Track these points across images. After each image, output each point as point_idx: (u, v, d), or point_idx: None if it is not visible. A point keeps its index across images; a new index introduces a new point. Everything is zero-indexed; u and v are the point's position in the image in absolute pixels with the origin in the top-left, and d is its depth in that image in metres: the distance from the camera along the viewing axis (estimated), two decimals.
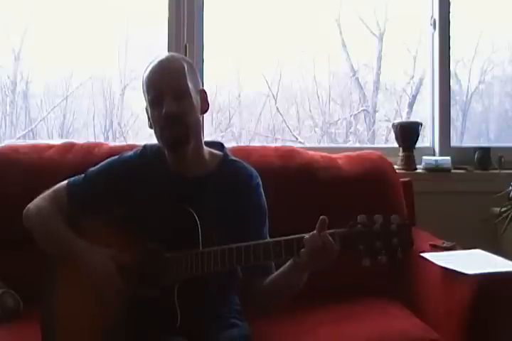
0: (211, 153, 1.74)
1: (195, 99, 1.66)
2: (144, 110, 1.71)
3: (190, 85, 1.64)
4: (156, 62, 1.68)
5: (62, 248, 1.67)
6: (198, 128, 1.68)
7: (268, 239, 1.51)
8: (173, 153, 1.67)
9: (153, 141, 1.72)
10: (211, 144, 1.77)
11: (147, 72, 1.68)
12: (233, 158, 1.78)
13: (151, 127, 1.69)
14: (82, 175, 1.78)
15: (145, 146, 1.80)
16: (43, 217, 1.71)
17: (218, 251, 1.50)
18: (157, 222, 1.61)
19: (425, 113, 2.97)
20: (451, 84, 2.92)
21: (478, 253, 1.97)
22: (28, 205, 1.75)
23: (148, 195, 1.68)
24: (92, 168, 1.79)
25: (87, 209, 1.72)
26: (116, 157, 1.80)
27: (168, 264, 1.55)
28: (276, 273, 1.61)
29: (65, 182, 1.78)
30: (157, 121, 1.63)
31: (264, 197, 1.74)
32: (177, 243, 1.56)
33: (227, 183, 1.70)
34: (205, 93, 1.73)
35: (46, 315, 1.67)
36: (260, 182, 1.75)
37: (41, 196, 1.75)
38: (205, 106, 1.72)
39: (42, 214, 1.71)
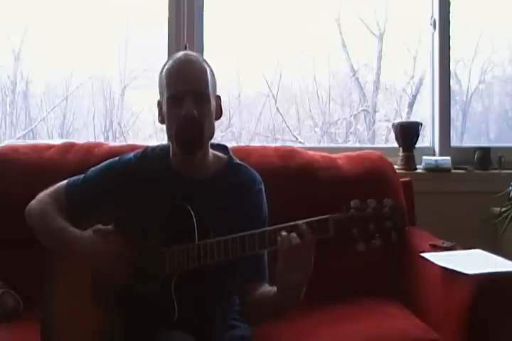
0: (216, 156, 1.74)
1: (213, 104, 1.65)
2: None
3: (210, 89, 1.64)
4: (178, 60, 1.67)
5: (59, 239, 1.67)
6: (212, 134, 1.68)
7: (263, 228, 1.50)
8: (185, 154, 1.67)
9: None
10: (216, 147, 1.77)
11: (168, 68, 1.66)
12: (238, 161, 1.78)
13: (161, 122, 1.69)
14: (82, 176, 1.78)
15: (146, 148, 1.80)
16: (43, 214, 1.72)
17: (214, 243, 1.50)
18: (155, 218, 1.61)
19: (425, 113, 2.97)
20: (451, 84, 2.92)
21: (478, 253, 1.97)
22: (31, 202, 1.75)
23: (149, 195, 1.68)
24: (92, 169, 1.79)
25: (85, 210, 1.72)
26: (116, 158, 1.80)
27: (165, 258, 1.55)
28: (265, 289, 1.59)
29: (65, 182, 1.78)
30: (174, 121, 1.63)
31: (265, 203, 1.74)
32: (174, 239, 1.56)
33: (229, 186, 1.69)
34: (220, 99, 1.72)
35: (45, 316, 1.67)
36: (263, 188, 1.75)
37: (42, 194, 1.76)
38: (219, 113, 1.71)
39: (42, 211, 1.72)
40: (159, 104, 1.69)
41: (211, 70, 1.68)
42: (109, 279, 1.59)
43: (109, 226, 1.62)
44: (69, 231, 1.65)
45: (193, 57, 1.69)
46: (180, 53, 1.72)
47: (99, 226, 1.62)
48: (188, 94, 1.59)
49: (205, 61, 1.70)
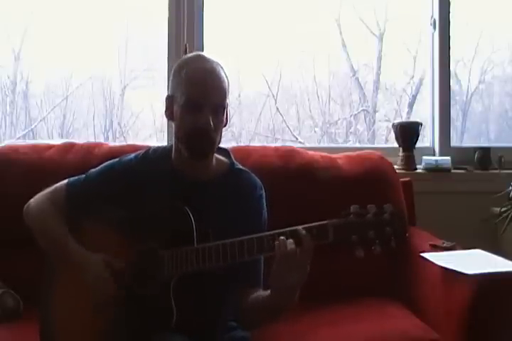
0: (218, 159, 1.74)
1: (225, 114, 1.66)
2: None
3: (226, 101, 1.64)
4: (201, 66, 1.64)
5: (58, 251, 1.68)
6: (220, 141, 1.68)
7: (262, 233, 1.49)
8: (193, 160, 1.66)
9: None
10: (217, 150, 1.75)
11: (190, 72, 1.62)
12: (239, 166, 1.77)
13: (169, 118, 1.69)
14: (82, 176, 1.78)
15: (148, 149, 1.79)
16: (41, 215, 1.71)
17: (212, 246, 1.50)
18: (154, 221, 1.61)
19: (425, 113, 2.97)
20: (451, 84, 2.92)
21: (478, 253, 1.97)
22: (29, 201, 1.75)
23: (149, 196, 1.67)
24: (92, 170, 1.79)
25: (84, 210, 1.71)
26: (116, 159, 1.79)
27: (163, 261, 1.55)
28: (259, 294, 1.58)
29: (65, 182, 1.77)
30: (187, 127, 1.61)
31: (265, 209, 1.73)
32: (173, 242, 1.56)
33: (230, 190, 1.69)
34: (227, 106, 1.69)
35: (44, 316, 1.67)
36: (264, 194, 1.74)
37: (42, 193, 1.75)
38: (226, 120, 1.69)
39: (41, 212, 1.72)
40: (169, 99, 1.68)
41: (227, 78, 1.67)
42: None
43: (122, 264, 1.60)
44: (71, 243, 1.65)
45: (216, 65, 1.66)
46: (201, 56, 1.70)
47: (110, 259, 1.61)
48: (206, 107, 1.59)
49: (223, 69, 1.68)
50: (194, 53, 1.79)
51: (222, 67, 1.67)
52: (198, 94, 1.60)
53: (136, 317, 1.56)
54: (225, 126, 1.69)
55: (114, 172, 1.76)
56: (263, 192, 1.74)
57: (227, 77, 1.67)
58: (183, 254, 1.52)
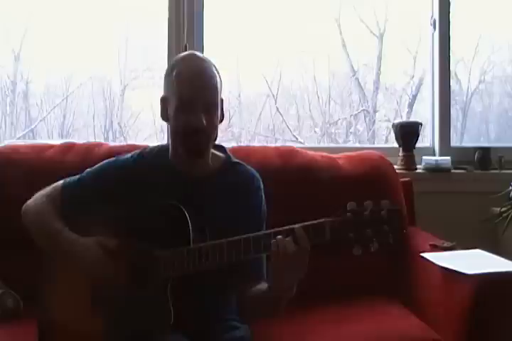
0: (214, 155, 1.75)
1: (219, 111, 1.67)
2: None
3: (219, 98, 1.65)
4: (190, 66, 1.65)
5: (56, 247, 1.67)
6: (215, 138, 1.69)
7: (258, 233, 1.49)
8: (189, 159, 1.67)
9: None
10: (214, 146, 1.76)
11: (180, 72, 1.64)
12: (236, 160, 1.78)
13: (164, 119, 1.70)
14: (77, 176, 1.78)
15: (144, 149, 1.80)
16: (39, 215, 1.71)
17: (209, 246, 1.50)
18: (150, 221, 1.61)
19: (425, 113, 2.97)
20: (451, 84, 2.92)
21: (478, 253, 1.97)
22: (27, 202, 1.75)
23: (146, 195, 1.67)
24: (88, 170, 1.79)
25: (81, 210, 1.71)
26: (112, 159, 1.80)
27: (159, 262, 1.54)
28: (259, 287, 1.59)
29: (61, 182, 1.77)
30: (181, 126, 1.63)
31: (264, 201, 1.74)
32: (169, 241, 1.56)
33: (228, 185, 1.70)
34: (223, 102, 1.71)
35: (43, 315, 1.67)
36: (261, 186, 1.75)
37: (39, 194, 1.75)
38: (221, 116, 1.71)
39: (38, 212, 1.72)
40: (164, 100, 1.69)
41: (219, 74, 1.67)
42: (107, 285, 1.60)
43: (114, 242, 1.60)
44: (67, 236, 1.64)
45: (205, 63, 1.67)
46: (191, 56, 1.72)
47: (103, 239, 1.61)
48: (199, 106, 1.60)
49: (214, 66, 1.68)
50: (185, 53, 1.79)
51: (213, 65, 1.68)
52: (188, 94, 1.61)
53: (135, 317, 1.56)
54: (221, 121, 1.71)
55: (110, 171, 1.76)
56: (261, 183, 1.76)
57: (218, 73, 1.67)
58: (178, 256, 1.52)
